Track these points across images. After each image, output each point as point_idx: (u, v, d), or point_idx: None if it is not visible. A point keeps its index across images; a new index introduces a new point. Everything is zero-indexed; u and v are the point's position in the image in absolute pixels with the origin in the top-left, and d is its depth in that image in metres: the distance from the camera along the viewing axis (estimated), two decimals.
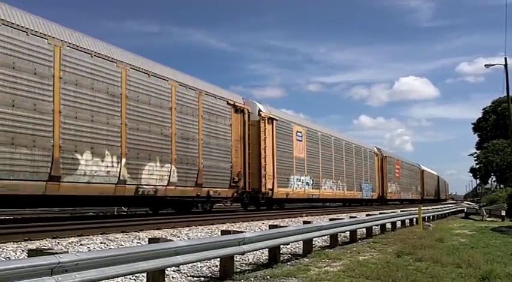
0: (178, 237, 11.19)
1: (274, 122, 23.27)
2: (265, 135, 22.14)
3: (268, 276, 8.19)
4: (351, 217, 15.88)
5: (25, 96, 11.15)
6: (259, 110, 22.23)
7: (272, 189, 22.61)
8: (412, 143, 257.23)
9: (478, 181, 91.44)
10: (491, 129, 70.33)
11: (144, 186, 14.58)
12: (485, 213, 30.90)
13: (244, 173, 20.04)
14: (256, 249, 9.13)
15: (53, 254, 4.88)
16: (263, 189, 21.87)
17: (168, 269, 7.36)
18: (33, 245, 8.72)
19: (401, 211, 22.49)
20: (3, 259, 7.47)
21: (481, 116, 74.91)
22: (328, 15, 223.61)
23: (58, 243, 9.21)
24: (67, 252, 5.47)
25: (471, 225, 24.43)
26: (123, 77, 14.03)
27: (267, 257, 9.85)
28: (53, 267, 4.70)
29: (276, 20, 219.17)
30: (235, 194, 19.78)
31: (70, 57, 12.37)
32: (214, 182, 18.08)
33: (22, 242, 9.13)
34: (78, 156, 12.43)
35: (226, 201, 21.49)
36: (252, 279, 8.01)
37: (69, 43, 12.42)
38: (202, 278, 8.12)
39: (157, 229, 12.66)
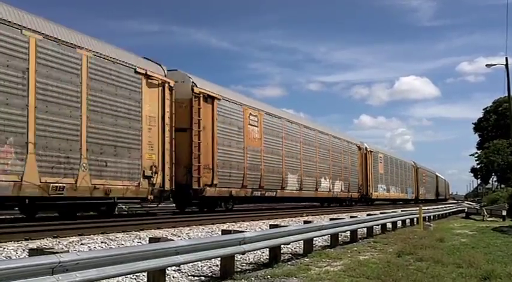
0: (179, 236, 11.20)
1: (372, 153, 39.80)
2: (368, 161, 38.55)
3: (268, 276, 8.18)
4: (351, 217, 15.87)
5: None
6: (366, 147, 38.56)
7: (371, 193, 39.20)
8: (412, 143, 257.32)
9: (478, 181, 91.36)
10: (492, 129, 70.33)
11: (335, 192, 31.19)
12: (486, 213, 30.83)
13: (362, 183, 37.40)
14: (257, 249, 9.12)
15: (53, 253, 4.87)
16: (368, 193, 38.44)
17: (169, 268, 7.37)
18: (34, 244, 8.73)
19: (402, 211, 22.49)
20: (4, 258, 7.48)
21: (481, 115, 74.92)
22: (328, 15, 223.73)
23: (59, 242, 9.22)
24: (68, 251, 5.46)
25: (472, 225, 24.42)
26: (329, 141, 30.91)
27: (267, 257, 9.83)
28: (54, 266, 4.69)
29: (277, 19, 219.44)
30: (359, 196, 36.68)
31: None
32: (353, 189, 34.96)
33: (23, 241, 9.13)
34: (322, 180, 29.02)
35: (355, 200, 36.70)
36: (253, 278, 8.00)
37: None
38: (203, 278, 8.11)
39: (158, 229, 12.69)
